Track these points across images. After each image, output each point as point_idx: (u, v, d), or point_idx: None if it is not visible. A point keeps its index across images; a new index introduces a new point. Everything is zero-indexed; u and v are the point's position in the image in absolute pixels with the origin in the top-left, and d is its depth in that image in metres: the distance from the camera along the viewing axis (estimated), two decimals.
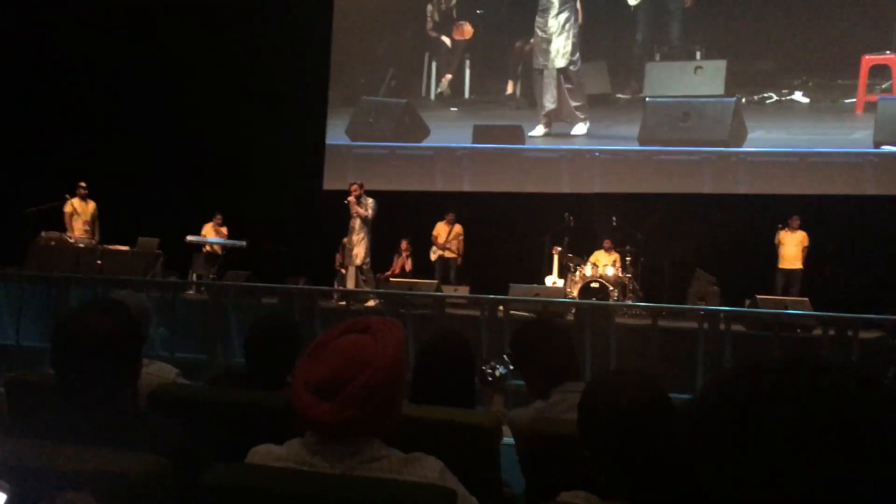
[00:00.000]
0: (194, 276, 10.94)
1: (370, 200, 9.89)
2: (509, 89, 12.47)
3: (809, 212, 9.95)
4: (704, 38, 11.59)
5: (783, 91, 11.19)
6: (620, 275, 10.03)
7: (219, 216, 11.31)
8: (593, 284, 9.75)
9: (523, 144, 12.15)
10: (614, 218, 10.47)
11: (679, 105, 11.49)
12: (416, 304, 8.00)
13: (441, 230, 10.94)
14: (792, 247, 9.77)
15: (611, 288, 9.71)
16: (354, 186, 9.91)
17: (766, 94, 11.25)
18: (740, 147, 11.18)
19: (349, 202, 9.84)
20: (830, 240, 9.93)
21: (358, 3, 13.19)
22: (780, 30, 11.13)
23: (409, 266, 11.22)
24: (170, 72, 12.33)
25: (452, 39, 12.77)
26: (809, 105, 11.10)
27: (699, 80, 11.47)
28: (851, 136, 10.78)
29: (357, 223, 9.90)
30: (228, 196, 11.50)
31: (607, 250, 10.38)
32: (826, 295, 8.99)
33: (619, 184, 11.47)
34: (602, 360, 6.79)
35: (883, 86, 10.76)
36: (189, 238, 10.92)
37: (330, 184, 12.33)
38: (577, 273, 10.03)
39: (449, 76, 12.75)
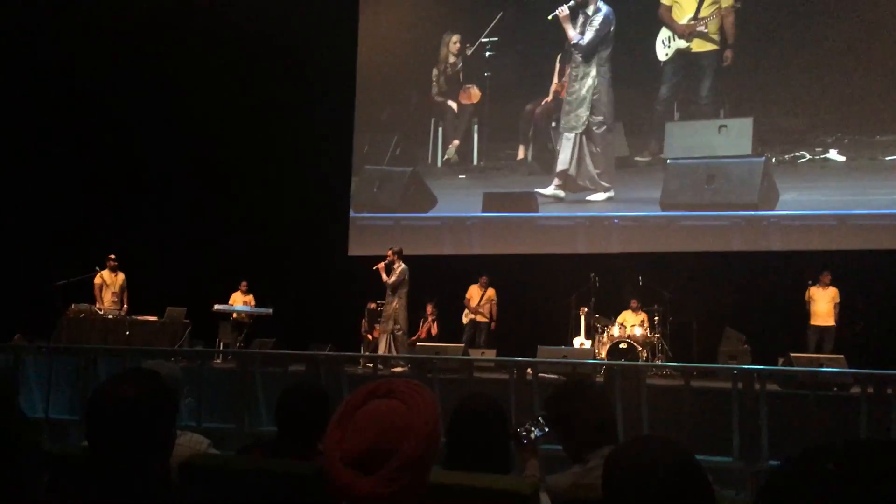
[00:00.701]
0: (221, 344, 10.99)
1: (401, 267, 9.83)
2: (520, 154, 12.14)
3: (840, 267, 9.82)
4: (729, 95, 11.15)
5: (816, 149, 10.67)
6: (649, 334, 9.91)
7: (244, 283, 11.41)
8: (622, 345, 9.63)
9: (537, 212, 11.77)
10: (640, 277, 10.40)
11: (703, 167, 11.02)
12: (444, 368, 7.93)
13: (474, 293, 10.92)
14: (824, 303, 9.61)
15: (639, 348, 9.58)
16: (390, 252, 9.85)
17: (797, 153, 10.75)
18: (772, 210, 10.68)
19: (378, 269, 9.81)
20: (862, 295, 9.77)
21: (377, 67, 13.14)
22: (809, 84, 10.68)
23: (434, 330, 11.18)
24: (196, 143, 12.61)
25: (459, 104, 12.55)
26: (846, 163, 10.54)
27: (724, 139, 11.00)
28: (895, 195, 10.26)
29: (388, 290, 9.85)
30: (255, 264, 11.59)
31: (634, 310, 10.28)
32: (860, 351, 8.82)
33: (639, 248, 11.12)
34: (634, 422, 6.65)
35: None
36: (216, 307, 11.01)
37: (355, 250, 12.39)
38: (605, 334, 9.93)
39: (456, 142, 12.48)
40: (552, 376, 8.20)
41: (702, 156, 11.12)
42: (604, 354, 9.54)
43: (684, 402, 6.73)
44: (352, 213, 12.68)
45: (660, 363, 9.42)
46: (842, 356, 7.77)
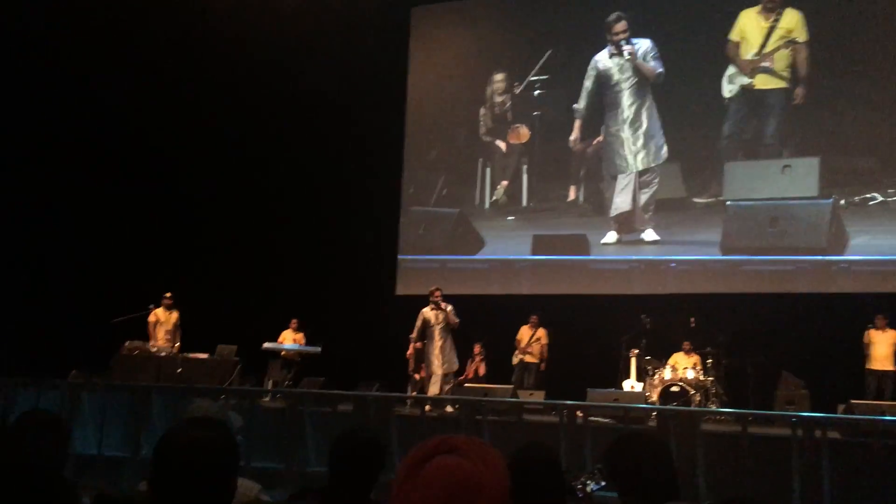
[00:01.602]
0: (270, 382, 11.06)
1: (449, 307, 9.79)
2: (571, 195, 11.84)
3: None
4: (793, 134, 10.68)
5: (889, 191, 10.11)
6: (702, 378, 9.68)
7: (294, 321, 11.51)
8: (673, 388, 9.43)
9: (588, 255, 11.43)
10: (692, 319, 10.20)
11: (766, 209, 10.57)
12: (493, 410, 7.86)
13: (524, 333, 10.83)
14: (883, 347, 9.30)
15: (692, 391, 9.36)
16: (437, 292, 9.78)
17: (868, 195, 10.16)
18: (842, 255, 10.15)
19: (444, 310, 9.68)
20: None
21: (426, 106, 13.11)
22: (880, 122, 10.22)
23: (482, 370, 11.08)
24: (249, 184, 12.87)
25: (508, 144, 12.32)
26: None
27: (788, 180, 10.50)
28: None
29: (437, 330, 9.78)
30: (305, 302, 11.70)
31: (687, 352, 10.07)
32: None
33: (698, 289, 10.78)
34: (689, 469, 6.49)
35: None
36: (266, 345, 11.11)
37: (402, 290, 12.41)
38: (656, 376, 9.73)
39: (505, 182, 12.22)
40: (603, 420, 8.06)
41: (764, 197, 10.68)
42: (655, 397, 9.34)
43: (741, 449, 6.55)
44: (399, 255, 12.66)
45: (714, 408, 9.19)
46: None
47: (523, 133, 12.31)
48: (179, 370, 10.34)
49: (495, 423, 7.37)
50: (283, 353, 11.27)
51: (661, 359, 10.07)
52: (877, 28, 10.35)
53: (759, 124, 10.92)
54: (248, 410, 8.07)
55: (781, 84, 10.81)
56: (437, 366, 9.74)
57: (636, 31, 11.53)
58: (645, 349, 10.03)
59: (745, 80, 10.97)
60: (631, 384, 9.78)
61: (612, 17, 11.58)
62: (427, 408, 8.40)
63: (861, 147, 10.33)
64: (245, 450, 7.56)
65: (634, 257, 11.34)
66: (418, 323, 9.88)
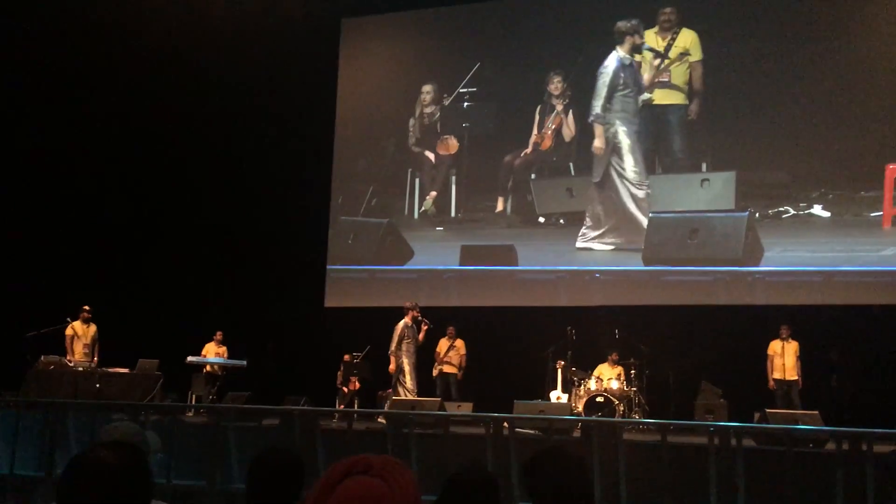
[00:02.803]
0: (194, 397, 10.83)
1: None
2: (499, 206, 12.00)
3: (811, 321, 9.90)
4: (711, 149, 11.01)
5: (801, 204, 10.49)
6: (625, 388, 9.90)
7: (219, 334, 11.29)
8: (598, 399, 9.61)
9: (516, 265, 11.61)
10: (616, 330, 10.43)
11: (686, 221, 10.85)
12: (420, 423, 7.85)
13: (442, 346, 10.87)
14: (789, 357, 9.67)
15: (616, 402, 9.56)
16: (416, 310, 9.85)
17: (781, 208, 10.55)
18: (757, 266, 10.49)
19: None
20: (835, 349, 9.86)
21: (355, 117, 13.04)
22: (793, 138, 10.60)
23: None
24: (170, 193, 12.61)
25: (437, 155, 12.43)
26: (831, 219, 10.39)
27: (706, 193, 10.85)
28: (881, 252, 10.04)
29: (413, 346, 9.88)
30: (230, 315, 11.51)
31: (611, 363, 10.28)
32: (835, 407, 8.87)
33: (621, 302, 11.03)
34: (611, 478, 6.62)
35: None
36: (189, 359, 10.88)
37: (331, 301, 12.30)
38: (582, 387, 9.90)
39: (434, 193, 12.33)
40: (529, 431, 8.15)
41: (684, 210, 11.01)
42: (580, 408, 9.50)
43: (661, 458, 6.71)
44: (328, 266, 12.56)
45: (636, 419, 9.40)
46: (816, 412, 7.79)
47: (452, 144, 12.41)
48: (98, 386, 10.03)
49: (422, 437, 7.37)
50: (206, 367, 11.04)
51: (587, 370, 10.25)
52: (774, 49, 10.82)
53: (666, 139, 11.27)
54: (169, 427, 7.86)
55: (681, 100, 11.22)
56: (412, 381, 9.75)
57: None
58: (571, 360, 10.19)
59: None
60: (557, 395, 9.92)
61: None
62: (352, 420, 8.34)
63: (775, 163, 10.73)
64: (166, 468, 7.36)
65: (560, 267, 11.50)
66: (396, 336, 9.88)
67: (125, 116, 12.41)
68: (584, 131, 11.68)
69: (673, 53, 11.28)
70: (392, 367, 10.39)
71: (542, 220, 11.79)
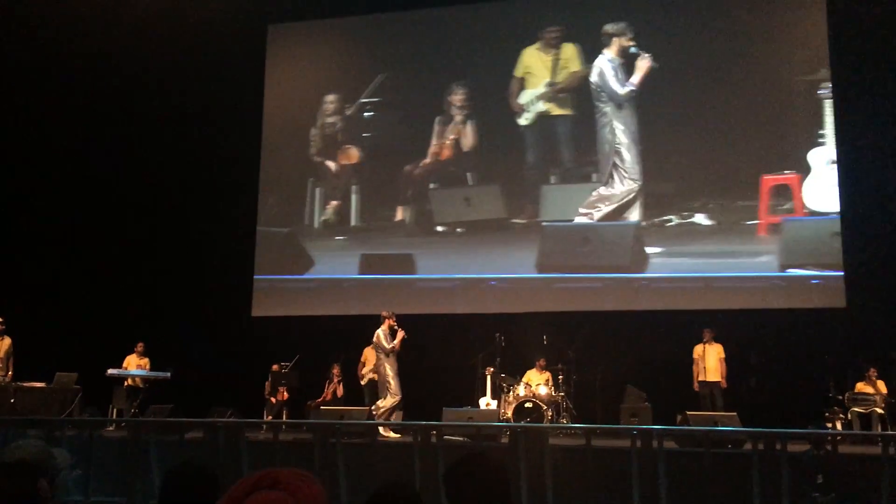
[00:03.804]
0: (115, 411, 10.50)
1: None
2: (399, 215, 12.07)
3: (730, 325, 10.19)
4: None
5: (684, 213, 10.96)
6: (553, 393, 10.01)
7: (141, 345, 11.00)
8: (527, 404, 9.69)
9: (415, 274, 11.72)
10: (545, 336, 10.55)
11: (578, 229, 11.25)
12: (347, 433, 7.79)
13: (369, 354, 10.81)
14: (712, 359, 9.96)
15: (544, 407, 9.66)
16: (392, 318, 9.74)
17: (666, 217, 11.03)
18: (642, 272, 10.90)
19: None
20: (755, 353, 10.18)
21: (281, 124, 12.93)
22: (678, 151, 11.05)
23: (340, 392, 11.01)
24: (87, 200, 12.26)
25: (338, 164, 12.44)
26: (712, 227, 10.86)
27: None
28: (757, 259, 10.58)
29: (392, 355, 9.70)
30: (152, 325, 11.23)
31: (540, 369, 10.39)
32: (753, 408, 9.16)
33: (515, 309, 11.17)
34: (537, 482, 6.68)
35: (785, 206, 10.60)
36: (110, 371, 10.55)
37: (259, 310, 12.10)
38: (511, 393, 9.97)
39: (334, 203, 12.31)
40: (458, 439, 8.18)
41: (567, 218, 11.36)
42: (510, 414, 9.57)
43: (587, 461, 6.81)
44: (255, 276, 12.34)
45: (563, 424, 9.52)
46: (735, 414, 8.04)
47: (353, 154, 12.46)
48: (12, 400, 9.68)
49: (349, 446, 7.30)
50: (128, 380, 10.74)
51: (516, 376, 10.34)
52: (660, 66, 11.18)
53: (557, 149, 11.65)
54: (87, 442, 7.61)
55: (569, 111, 11.64)
56: (396, 386, 9.59)
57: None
58: (500, 367, 10.26)
59: (542, 108, 11.74)
60: (487, 402, 9.97)
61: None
62: (279, 432, 8.21)
63: (660, 173, 11.17)
64: (83, 484, 7.13)
65: (457, 276, 11.63)
66: (377, 344, 9.75)
67: (42, 120, 12.02)
68: (486, 142, 11.92)
69: (560, 67, 11.72)
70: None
71: (440, 229, 11.94)
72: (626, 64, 11.26)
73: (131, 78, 12.28)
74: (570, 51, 11.72)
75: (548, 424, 9.09)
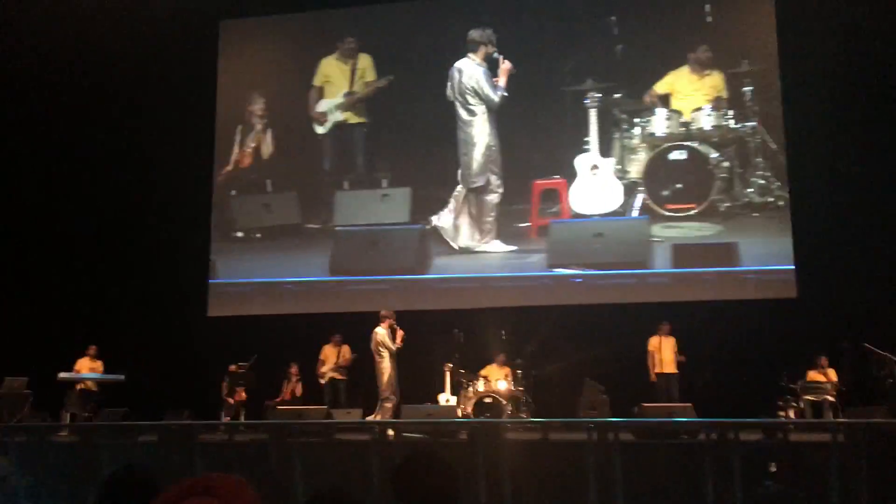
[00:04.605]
0: (68, 416, 10.28)
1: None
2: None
3: (684, 318, 10.28)
4: (391, 166, 11.88)
5: None
6: (513, 388, 10.02)
7: (93, 348, 10.78)
8: (486, 400, 9.69)
9: (217, 279, 12.00)
10: (503, 332, 10.55)
11: (367, 234, 11.73)
12: (303, 432, 7.73)
13: (329, 353, 10.73)
14: (668, 352, 10.07)
15: (504, 402, 9.68)
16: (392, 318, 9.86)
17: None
18: (425, 274, 11.38)
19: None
20: (710, 344, 10.28)
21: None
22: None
23: (299, 391, 10.91)
24: (37, 200, 12.01)
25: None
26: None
27: (386, 207, 11.80)
28: (528, 259, 11.16)
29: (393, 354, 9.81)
30: (104, 327, 11.02)
31: (499, 364, 10.39)
32: (708, 399, 9.28)
33: (311, 310, 11.44)
34: (495, 478, 6.70)
35: (553, 209, 11.18)
36: (61, 375, 10.32)
37: (215, 310, 11.94)
38: (470, 389, 9.96)
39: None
40: (417, 436, 8.16)
41: (367, 223, 11.81)
42: (470, 410, 9.57)
43: (544, 455, 6.85)
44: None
45: (521, 419, 9.54)
46: (690, 405, 8.13)
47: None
48: None
49: (305, 446, 7.25)
50: (80, 383, 10.51)
51: (475, 371, 10.33)
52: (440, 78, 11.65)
53: (352, 156, 12.12)
54: (37, 448, 7.45)
55: (364, 119, 12.10)
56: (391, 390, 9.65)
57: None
58: (459, 363, 10.24)
59: (339, 117, 12.18)
60: (446, 398, 9.95)
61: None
62: (234, 433, 8.12)
63: (441, 178, 11.58)
64: (35, 492, 7.00)
65: (256, 280, 11.95)
66: (375, 345, 9.83)
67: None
68: (285, 149, 12.30)
69: (358, 77, 12.18)
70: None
71: (240, 234, 12.20)
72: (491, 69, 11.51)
73: (81, 76, 12.04)
74: (365, 61, 12.21)
75: (506, 419, 9.10)
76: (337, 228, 11.79)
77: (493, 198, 11.43)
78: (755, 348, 9.94)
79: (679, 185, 10.83)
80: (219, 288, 11.98)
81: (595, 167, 11.03)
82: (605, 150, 11.08)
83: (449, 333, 10.31)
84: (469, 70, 11.46)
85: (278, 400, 10.65)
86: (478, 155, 11.44)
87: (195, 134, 12.34)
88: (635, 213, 11.02)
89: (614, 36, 11.21)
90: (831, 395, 9.04)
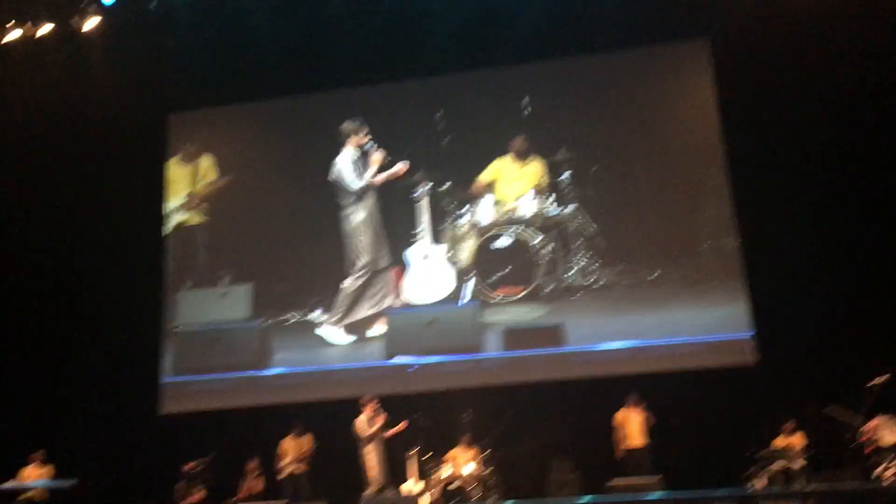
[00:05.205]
0: None
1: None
2: None
3: (650, 390, 10.16)
4: (231, 264, 12.09)
5: (304, 310, 11.74)
6: (481, 471, 9.76)
7: (41, 453, 10.31)
8: (451, 486, 9.44)
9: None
10: (468, 412, 10.32)
11: (208, 332, 11.81)
12: None
13: (288, 446, 10.37)
14: (635, 424, 9.90)
15: (472, 486, 9.43)
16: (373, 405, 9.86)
17: (288, 314, 11.77)
18: (268, 369, 11.48)
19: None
20: (676, 415, 10.15)
21: None
22: (297, 250, 11.93)
23: (259, 486, 10.48)
24: None
25: None
26: (335, 322, 11.54)
27: (227, 305, 11.94)
28: (364, 349, 11.38)
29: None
30: (52, 430, 10.59)
31: (465, 446, 10.14)
32: (677, 470, 9.12)
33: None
34: None
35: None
36: (4, 486, 9.80)
37: (169, 407, 11.58)
38: (435, 475, 9.67)
39: None
40: None
41: (207, 321, 11.91)
42: (437, 496, 9.29)
43: None
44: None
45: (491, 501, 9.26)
46: (659, 477, 7.96)
47: None
48: None
49: None
50: (25, 494, 9.97)
51: (440, 455, 10.05)
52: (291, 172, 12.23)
53: (194, 256, 12.27)
54: None
55: (205, 219, 12.35)
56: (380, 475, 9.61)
57: None
58: (423, 448, 9.96)
59: (180, 218, 12.47)
60: (409, 487, 9.64)
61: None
62: None
63: (282, 274, 11.91)
64: None
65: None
66: (359, 433, 9.82)
67: None
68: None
69: (200, 178, 12.46)
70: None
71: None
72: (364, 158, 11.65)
73: (32, 168, 11.96)
74: (207, 161, 12.49)
75: None
76: (176, 329, 11.89)
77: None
78: (721, 417, 9.82)
79: (506, 270, 11.14)
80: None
81: (426, 256, 11.37)
82: (436, 238, 11.41)
83: (409, 418, 10.06)
84: (338, 161, 11.62)
85: (235, 499, 10.23)
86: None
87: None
88: (467, 299, 11.29)
89: (440, 129, 11.61)
90: (800, 461, 8.91)
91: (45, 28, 11.23)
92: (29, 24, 11.13)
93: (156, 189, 12.44)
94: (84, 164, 12.06)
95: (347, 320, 11.47)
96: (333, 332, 11.51)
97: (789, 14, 10.50)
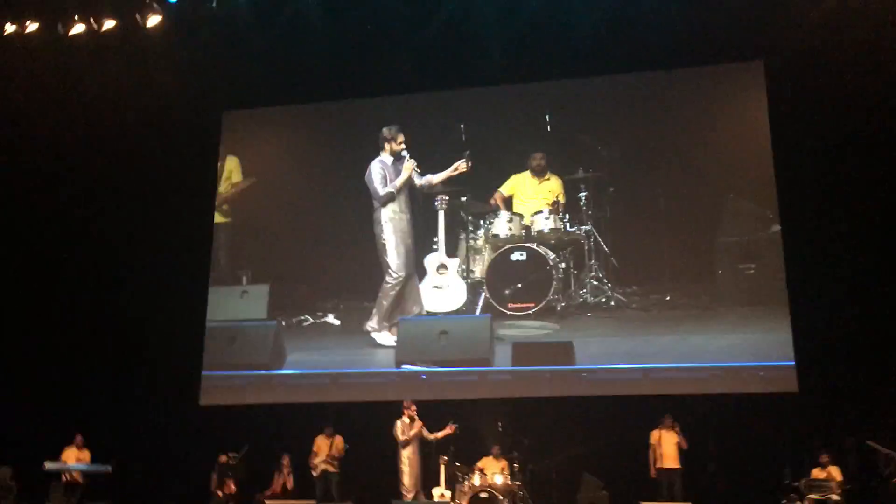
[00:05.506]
0: None
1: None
2: None
3: (685, 411, 10.08)
4: (250, 264, 12.29)
5: (318, 313, 11.84)
6: (510, 483, 9.75)
7: (79, 437, 10.58)
8: (482, 495, 9.42)
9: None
10: (500, 423, 10.34)
11: (228, 329, 11.96)
12: None
13: (321, 444, 10.49)
14: (670, 446, 9.81)
15: (500, 497, 9.41)
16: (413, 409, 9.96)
17: (302, 317, 11.87)
18: (280, 369, 11.52)
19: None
20: (712, 438, 10.04)
21: None
22: (313, 256, 12.09)
23: (290, 483, 10.63)
24: (27, 280, 12.08)
25: None
26: (341, 327, 11.72)
27: (245, 303, 12.11)
28: (374, 357, 11.36)
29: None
30: (93, 415, 10.83)
31: (495, 457, 10.15)
32: (711, 494, 9.02)
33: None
34: None
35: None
36: (47, 465, 10.06)
37: (207, 398, 11.77)
38: (466, 483, 9.69)
39: None
40: None
41: (227, 319, 12.09)
42: None
43: None
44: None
45: None
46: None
47: None
48: None
49: None
50: (65, 475, 10.23)
51: (471, 464, 10.06)
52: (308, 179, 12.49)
53: (216, 255, 12.50)
54: None
55: (228, 220, 12.63)
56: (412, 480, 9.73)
57: None
58: (454, 455, 10.00)
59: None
60: (441, 492, 9.68)
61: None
62: None
63: (298, 275, 12.09)
64: None
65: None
66: (398, 435, 9.94)
67: None
68: None
69: (224, 179, 12.70)
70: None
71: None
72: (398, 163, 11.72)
73: (84, 166, 12.26)
74: (232, 163, 12.73)
75: None
76: (208, 324, 12.04)
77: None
78: (758, 444, 9.70)
79: (519, 285, 11.15)
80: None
81: (443, 266, 11.40)
82: (451, 251, 11.46)
83: (445, 422, 10.10)
84: (371, 165, 11.72)
85: (268, 493, 10.37)
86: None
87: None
88: (478, 312, 11.31)
89: (462, 142, 11.66)
90: (836, 494, 8.77)
91: (109, 24, 11.43)
92: (92, 20, 11.34)
93: (203, 184, 12.66)
94: (139, 157, 12.30)
95: (387, 322, 11.50)
96: (383, 336, 11.50)
97: (840, 40, 10.30)
